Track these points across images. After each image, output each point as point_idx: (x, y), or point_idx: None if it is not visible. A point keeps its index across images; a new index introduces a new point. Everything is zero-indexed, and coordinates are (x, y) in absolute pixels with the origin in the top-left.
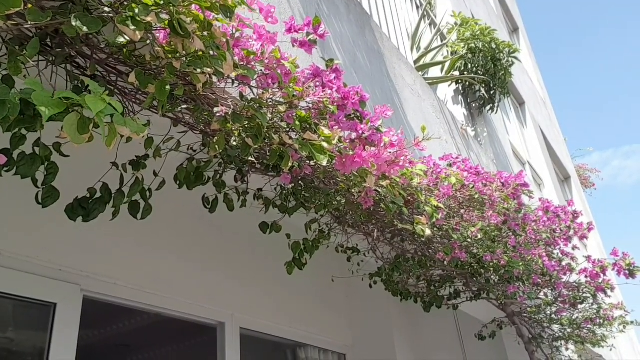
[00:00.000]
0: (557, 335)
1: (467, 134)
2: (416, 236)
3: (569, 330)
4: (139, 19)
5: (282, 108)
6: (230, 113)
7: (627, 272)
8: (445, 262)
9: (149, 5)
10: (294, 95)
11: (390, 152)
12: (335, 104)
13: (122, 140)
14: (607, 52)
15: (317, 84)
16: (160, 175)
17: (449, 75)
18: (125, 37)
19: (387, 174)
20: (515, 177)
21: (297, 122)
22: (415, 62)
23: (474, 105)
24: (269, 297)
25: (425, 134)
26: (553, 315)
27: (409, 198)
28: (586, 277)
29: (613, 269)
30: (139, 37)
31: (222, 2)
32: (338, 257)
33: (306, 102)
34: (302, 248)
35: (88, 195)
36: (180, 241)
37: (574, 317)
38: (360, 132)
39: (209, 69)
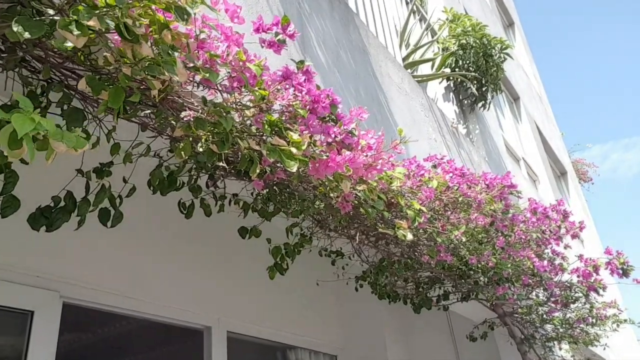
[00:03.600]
0: (549, 335)
1: (457, 132)
2: (399, 240)
3: (561, 330)
4: (83, 23)
5: (249, 112)
6: (193, 119)
7: (620, 271)
8: (433, 265)
9: (94, 8)
10: (262, 99)
11: (365, 156)
12: (307, 107)
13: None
14: (605, 44)
15: (287, 86)
16: (134, 181)
17: (439, 72)
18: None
19: (364, 178)
20: (502, 179)
21: (267, 127)
22: (404, 59)
23: (465, 102)
24: (257, 299)
25: (402, 136)
26: (545, 316)
27: (392, 201)
28: (578, 276)
29: (606, 268)
30: (81, 43)
31: (176, 3)
32: (327, 259)
33: (279, 105)
34: (283, 252)
35: (52, 204)
36: (163, 245)
37: (566, 317)
38: (333, 135)
39: (163, 75)
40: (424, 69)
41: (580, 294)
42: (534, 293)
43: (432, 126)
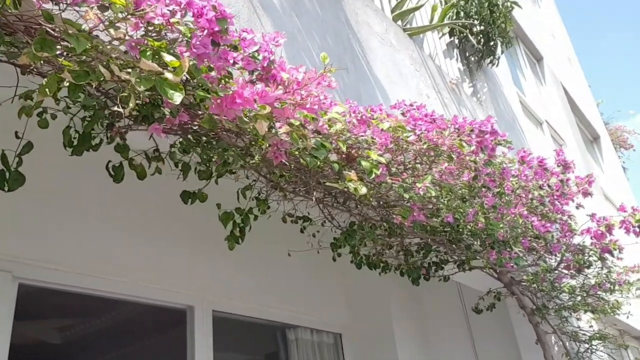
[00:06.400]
0: (563, 304)
1: (458, 89)
2: (361, 199)
3: (579, 298)
4: None
5: (114, 32)
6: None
7: (637, 229)
8: (406, 226)
9: None
10: (122, 11)
11: (282, 91)
12: (205, 28)
13: None
14: None
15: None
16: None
17: (435, 24)
18: None
19: (291, 119)
20: (479, 124)
21: (149, 54)
22: (394, 9)
23: (472, 59)
24: (247, 275)
25: (327, 62)
26: (554, 283)
27: (353, 152)
28: (591, 238)
29: (621, 227)
30: None
31: None
32: (327, 229)
33: (158, 21)
34: (236, 219)
35: None
36: (136, 220)
37: (582, 284)
38: (231, 61)
39: None
40: (422, 23)
41: (595, 258)
42: (544, 258)
43: (424, 82)
